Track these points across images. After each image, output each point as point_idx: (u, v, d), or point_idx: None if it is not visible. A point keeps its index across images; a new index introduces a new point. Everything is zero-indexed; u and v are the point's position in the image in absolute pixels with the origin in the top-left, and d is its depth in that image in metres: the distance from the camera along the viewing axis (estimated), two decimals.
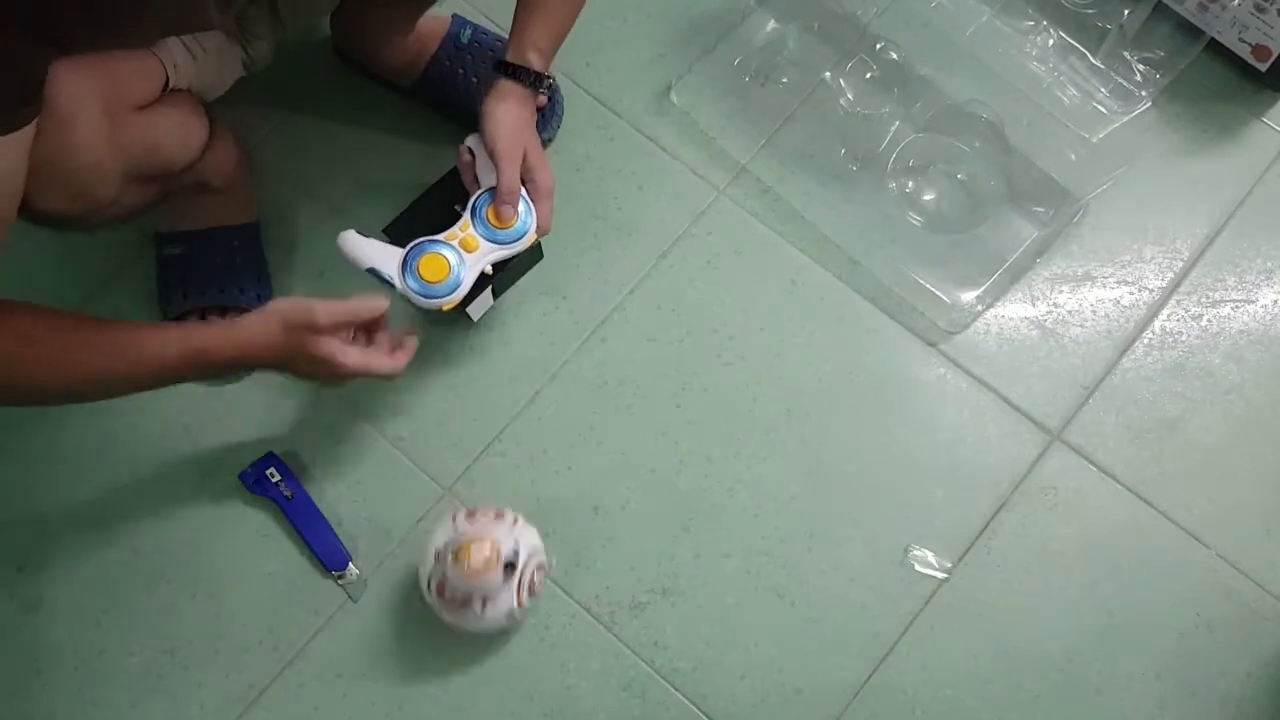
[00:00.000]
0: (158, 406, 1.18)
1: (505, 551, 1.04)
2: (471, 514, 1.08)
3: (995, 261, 1.23)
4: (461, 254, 1.06)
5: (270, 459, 1.17)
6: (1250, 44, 1.25)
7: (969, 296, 1.22)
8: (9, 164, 0.80)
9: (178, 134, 1.05)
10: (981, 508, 1.16)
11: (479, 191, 1.08)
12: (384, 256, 1.05)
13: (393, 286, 1.04)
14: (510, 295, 1.23)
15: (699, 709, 1.10)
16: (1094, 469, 1.17)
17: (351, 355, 1.01)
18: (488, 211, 1.07)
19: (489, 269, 1.07)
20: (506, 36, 1.28)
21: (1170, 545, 1.14)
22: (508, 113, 1.05)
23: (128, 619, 1.14)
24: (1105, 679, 1.10)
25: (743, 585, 1.14)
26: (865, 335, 1.22)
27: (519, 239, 1.07)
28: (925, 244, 1.24)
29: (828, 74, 1.29)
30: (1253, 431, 1.18)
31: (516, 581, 1.05)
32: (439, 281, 1.04)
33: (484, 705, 1.11)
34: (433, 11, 1.24)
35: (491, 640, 1.12)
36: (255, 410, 1.20)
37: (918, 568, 1.14)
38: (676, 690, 1.11)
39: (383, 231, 1.21)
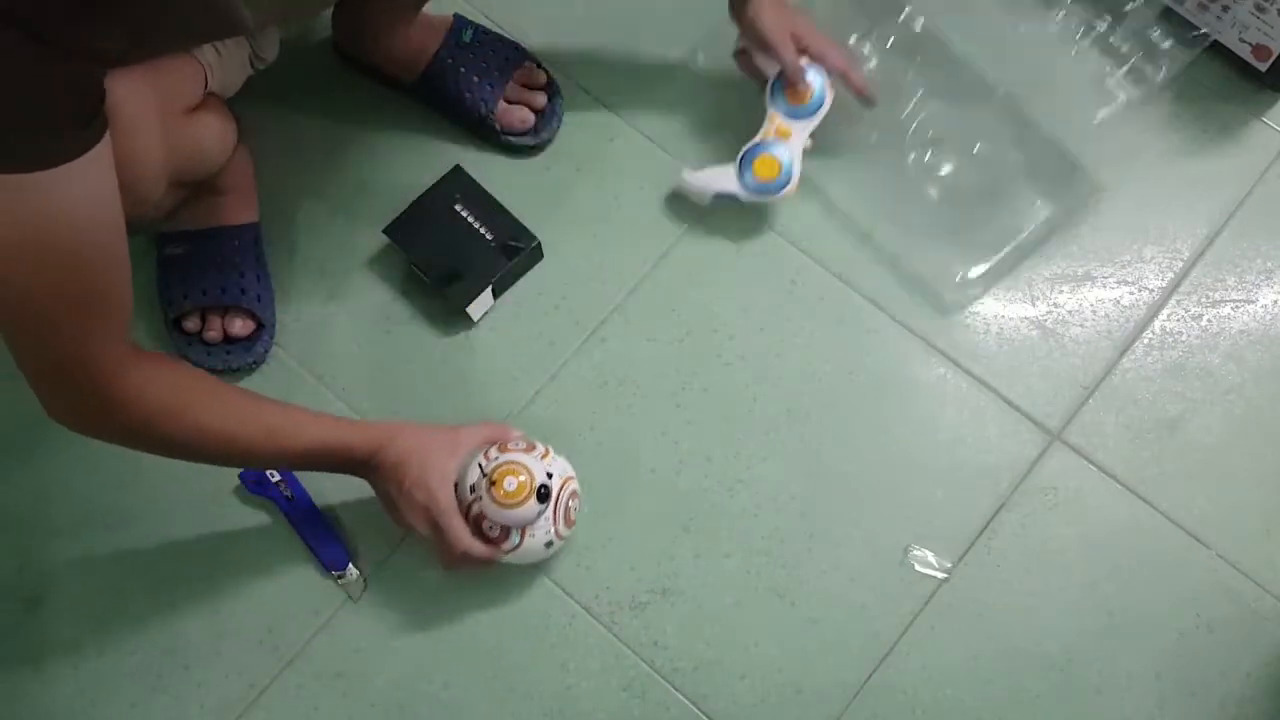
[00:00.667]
0: None
1: (538, 478, 1.04)
2: (502, 447, 1.07)
3: (1006, 237, 1.24)
4: (782, 143, 1.15)
5: None
6: (1250, 44, 1.25)
7: (978, 271, 1.22)
8: (101, 183, 0.79)
9: (219, 136, 1.06)
10: (981, 508, 1.16)
11: (770, 80, 1.18)
12: (723, 178, 1.18)
13: (738, 200, 1.16)
14: (510, 295, 1.24)
15: (699, 709, 1.10)
16: (1094, 469, 1.17)
17: (456, 518, 1.03)
18: (786, 96, 1.17)
19: (809, 143, 1.18)
20: (507, 37, 1.29)
21: (1170, 545, 1.14)
22: (765, 8, 1.13)
23: (128, 619, 1.14)
24: (1105, 679, 1.10)
25: (743, 585, 1.14)
26: (865, 335, 1.22)
27: (821, 105, 1.17)
28: (938, 217, 1.24)
29: (851, 40, 1.29)
30: (1253, 431, 1.18)
31: (552, 510, 1.05)
32: (774, 177, 1.16)
33: (484, 705, 1.11)
34: (435, 10, 1.24)
35: (490, 641, 1.12)
36: None
37: (918, 568, 1.14)
38: (676, 690, 1.11)
39: (383, 232, 1.21)
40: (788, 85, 1.17)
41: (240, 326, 1.19)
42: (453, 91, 1.26)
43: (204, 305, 1.19)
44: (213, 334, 1.19)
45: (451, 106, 1.27)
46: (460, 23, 1.28)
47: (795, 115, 1.17)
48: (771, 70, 1.18)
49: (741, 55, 1.21)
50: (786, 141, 1.16)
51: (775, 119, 1.17)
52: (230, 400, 0.97)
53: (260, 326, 1.20)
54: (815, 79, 1.17)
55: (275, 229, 1.25)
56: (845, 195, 1.26)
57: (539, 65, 1.30)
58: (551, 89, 1.29)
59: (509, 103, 1.27)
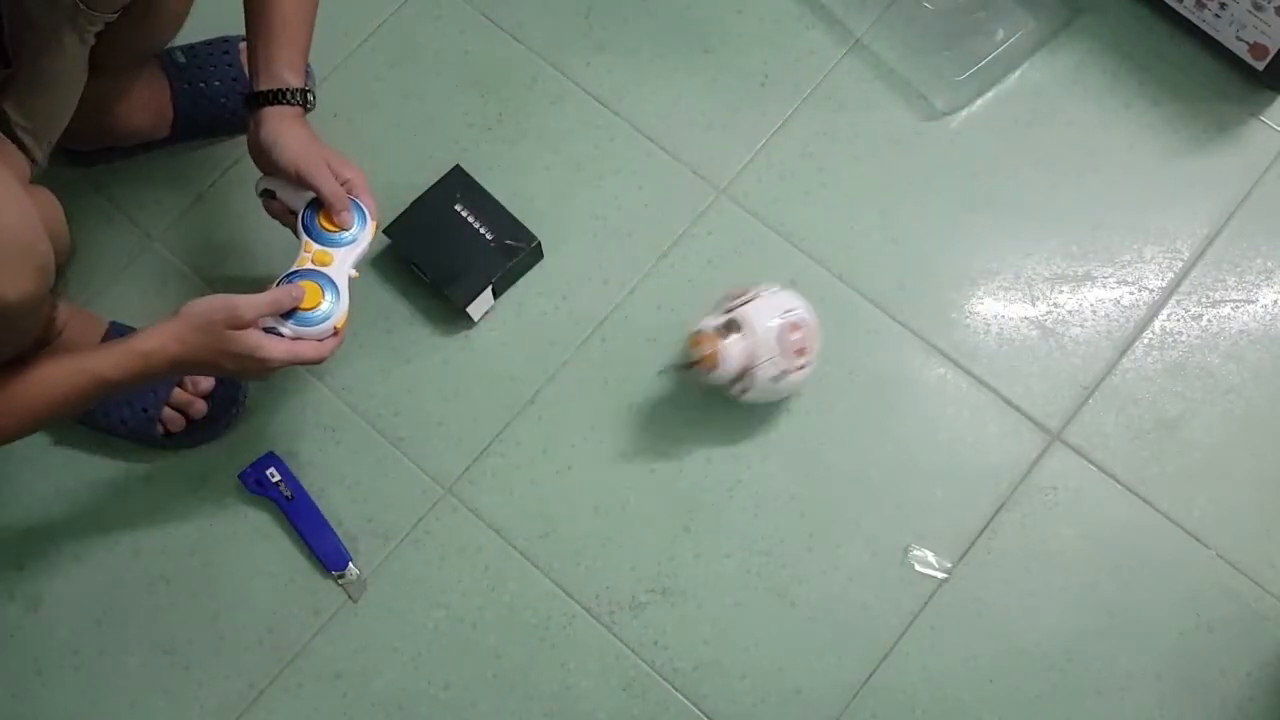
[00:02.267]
0: None
1: (707, 324, 1.10)
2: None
3: (994, 45, 1.28)
4: (321, 271, 1.04)
5: (270, 459, 1.17)
6: (1248, 42, 1.25)
7: (965, 75, 1.27)
8: None
9: (58, 211, 1.02)
10: (981, 508, 1.16)
11: (301, 211, 1.06)
12: None
13: (283, 335, 1.00)
14: (510, 295, 1.24)
15: (699, 709, 1.10)
16: (1094, 469, 1.17)
17: (277, 347, 0.98)
18: (320, 222, 1.05)
19: (354, 272, 1.05)
20: (216, 36, 1.28)
21: (1170, 545, 1.14)
22: (289, 134, 1.03)
23: (128, 619, 1.14)
24: (1105, 679, 1.10)
25: (743, 585, 1.14)
26: (865, 335, 1.22)
27: (363, 233, 1.06)
28: (931, 25, 1.27)
29: None
30: (1253, 431, 1.18)
31: (746, 340, 1.09)
32: (316, 306, 1.02)
33: (484, 705, 1.11)
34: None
35: (490, 641, 1.12)
36: (255, 410, 1.20)
37: (918, 568, 1.14)
38: (676, 690, 1.11)
39: (383, 232, 1.21)
40: (322, 211, 1.05)
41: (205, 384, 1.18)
42: (213, 110, 1.27)
43: (162, 403, 1.17)
44: (196, 408, 1.18)
45: (220, 124, 1.28)
46: (166, 53, 1.26)
47: (335, 243, 1.05)
48: (300, 201, 1.06)
49: (267, 198, 1.09)
50: (328, 268, 1.03)
51: (311, 247, 1.04)
52: (3, 392, 0.93)
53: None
54: (354, 207, 1.06)
55: (277, 231, 1.26)
56: (842, 7, 1.28)
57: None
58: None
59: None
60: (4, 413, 0.93)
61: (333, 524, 1.16)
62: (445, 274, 1.20)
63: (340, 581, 1.14)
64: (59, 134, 0.99)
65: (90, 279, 1.24)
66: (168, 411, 1.16)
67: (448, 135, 1.30)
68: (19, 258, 0.83)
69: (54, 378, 0.94)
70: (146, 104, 1.24)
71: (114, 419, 1.16)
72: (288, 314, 1.00)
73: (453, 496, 1.17)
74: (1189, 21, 1.28)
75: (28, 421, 0.96)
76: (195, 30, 1.26)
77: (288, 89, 1.03)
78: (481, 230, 1.21)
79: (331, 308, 1.02)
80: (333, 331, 1.02)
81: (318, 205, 1.05)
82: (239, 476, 1.17)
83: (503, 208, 1.23)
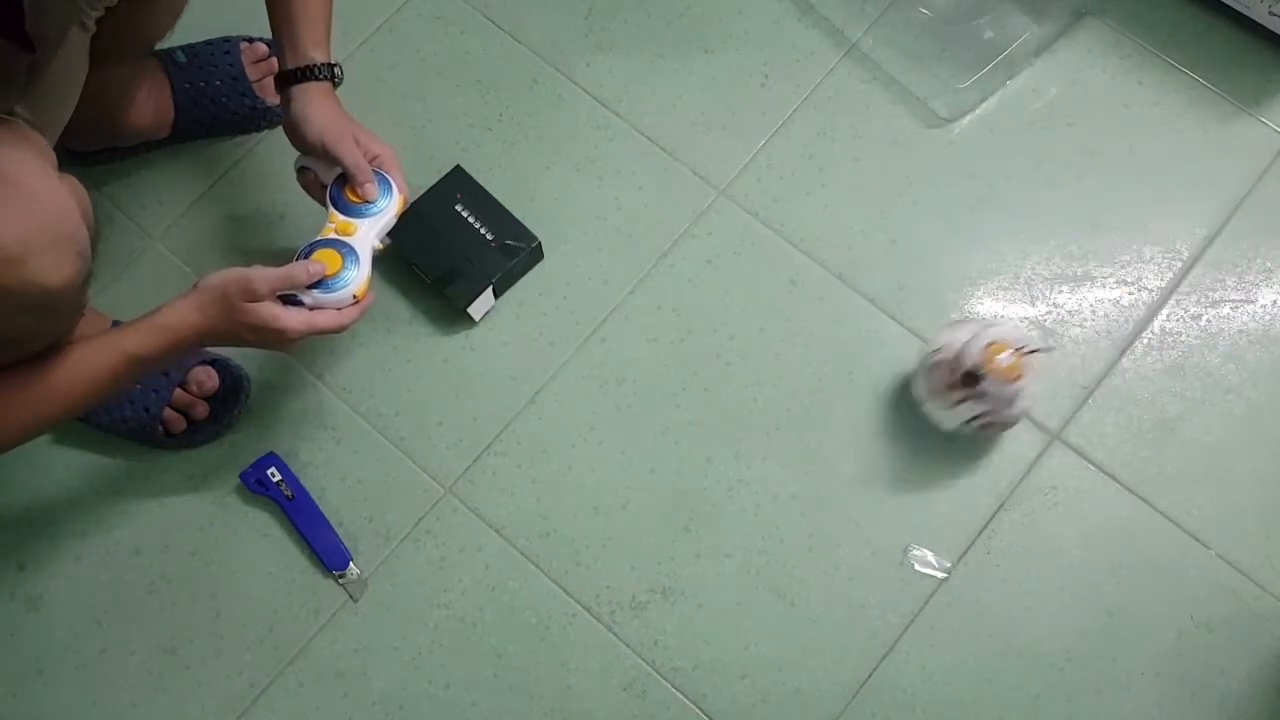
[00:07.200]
0: None
1: (1009, 337, 1.10)
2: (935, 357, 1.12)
3: (994, 52, 1.28)
4: (344, 240, 1.05)
5: (271, 459, 1.17)
6: None
7: (968, 83, 1.27)
8: None
9: (84, 193, 1.01)
10: (981, 508, 1.16)
11: (329, 185, 1.08)
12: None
13: (302, 304, 1.01)
14: (510, 295, 1.24)
15: (699, 708, 1.10)
16: (1094, 469, 1.17)
17: (294, 317, 0.99)
18: (346, 194, 1.07)
19: (379, 244, 1.08)
20: (217, 36, 1.28)
21: (1170, 545, 1.14)
22: (317, 109, 1.06)
23: (128, 618, 1.14)
24: (1105, 679, 1.11)
25: (743, 585, 1.14)
26: (865, 335, 1.22)
27: (388, 204, 1.08)
28: (930, 33, 1.28)
29: None
30: (1253, 431, 1.18)
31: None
32: (336, 273, 1.03)
33: (484, 705, 1.11)
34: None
35: (490, 641, 1.12)
36: (256, 410, 1.21)
37: (917, 567, 1.14)
38: (676, 690, 1.11)
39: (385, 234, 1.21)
40: (348, 185, 1.07)
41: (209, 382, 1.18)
42: (214, 110, 1.27)
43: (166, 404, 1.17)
44: (198, 410, 1.18)
45: (221, 123, 1.28)
46: (166, 53, 1.26)
47: (359, 214, 1.07)
48: (330, 175, 1.08)
49: (304, 175, 1.11)
50: (350, 237, 1.05)
51: (335, 217, 1.06)
52: (39, 379, 0.93)
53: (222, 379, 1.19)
54: (380, 180, 1.08)
55: (278, 230, 1.26)
56: (839, 13, 1.29)
57: (250, 40, 1.31)
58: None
59: (259, 81, 1.29)
60: (48, 398, 0.94)
61: (333, 524, 1.16)
62: (446, 274, 1.20)
63: (341, 581, 1.15)
64: (61, 129, 0.99)
65: (91, 278, 1.24)
66: (169, 412, 1.17)
67: (448, 136, 1.30)
68: (63, 246, 0.84)
69: (90, 359, 0.95)
70: (147, 103, 1.24)
71: (115, 418, 1.17)
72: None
73: (453, 496, 1.17)
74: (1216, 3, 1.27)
75: (68, 405, 0.96)
76: (195, 30, 1.26)
77: (315, 64, 1.06)
78: (482, 230, 1.22)
79: (351, 276, 1.03)
80: (352, 300, 1.03)
81: (345, 179, 1.07)
82: (240, 476, 1.17)
83: (503, 208, 1.23)
